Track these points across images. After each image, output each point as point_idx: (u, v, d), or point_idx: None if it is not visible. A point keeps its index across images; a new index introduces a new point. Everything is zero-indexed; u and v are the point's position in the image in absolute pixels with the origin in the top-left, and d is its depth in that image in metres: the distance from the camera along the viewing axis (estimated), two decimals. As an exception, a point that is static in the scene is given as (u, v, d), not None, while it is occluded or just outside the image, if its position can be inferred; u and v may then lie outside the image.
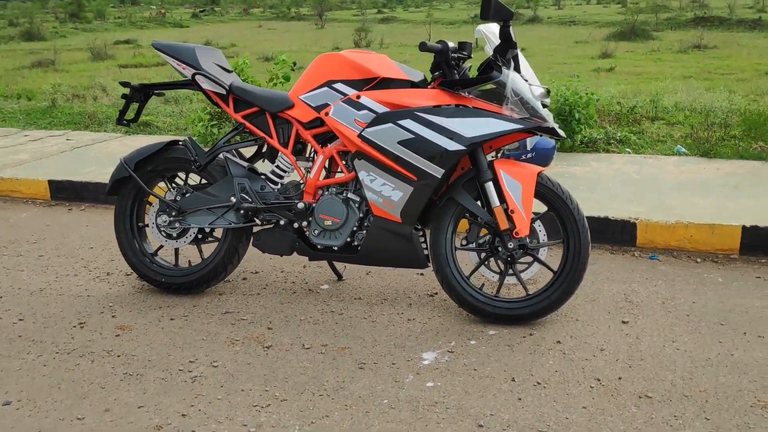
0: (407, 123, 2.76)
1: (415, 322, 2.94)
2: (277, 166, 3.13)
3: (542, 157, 4.86)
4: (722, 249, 3.61)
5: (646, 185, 4.33)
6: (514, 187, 2.80)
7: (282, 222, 3.03)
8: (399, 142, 2.78)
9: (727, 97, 6.96)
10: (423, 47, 2.73)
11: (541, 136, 2.88)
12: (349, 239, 2.97)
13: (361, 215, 2.96)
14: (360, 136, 2.83)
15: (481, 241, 2.96)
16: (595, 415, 2.28)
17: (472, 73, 2.95)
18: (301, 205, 2.99)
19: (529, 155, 4.84)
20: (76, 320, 3.01)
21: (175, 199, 3.16)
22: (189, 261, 3.35)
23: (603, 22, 25.54)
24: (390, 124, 2.78)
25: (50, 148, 5.95)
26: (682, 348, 2.69)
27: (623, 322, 2.91)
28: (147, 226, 3.32)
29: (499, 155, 4.89)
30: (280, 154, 3.12)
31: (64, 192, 4.86)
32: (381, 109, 2.83)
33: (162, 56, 3.16)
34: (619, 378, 2.49)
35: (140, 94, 3.25)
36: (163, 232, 3.20)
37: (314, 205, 2.99)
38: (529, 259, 2.93)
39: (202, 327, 2.93)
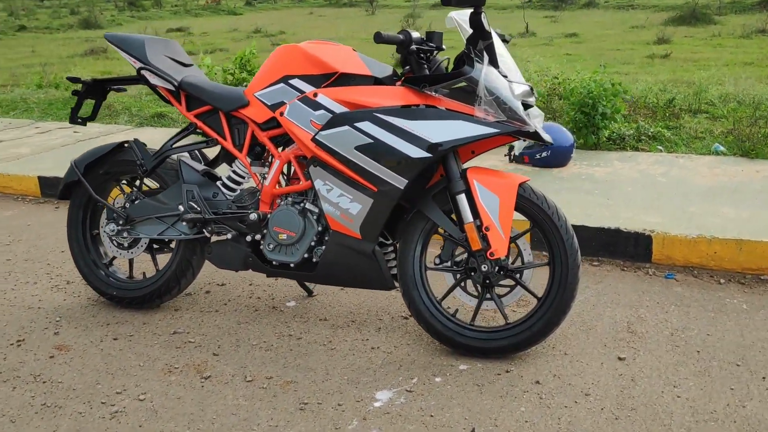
0: (365, 126, 2.40)
1: (378, 351, 2.59)
2: (234, 172, 2.81)
3: (559, 156, 4.44)
4: (750, 269, 3.13)
5: (670, 190, 3.85)
6: (491, 200, 2.41)
7: (233, 234, 2.71)
8: (356, 148, 2.42)
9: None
10: (378, 38, 2.36)
11: (523, 140, 2.47)
12: (306, 255, 2.63)
13: (320, 229, 2.61)
14: (314, 139, 2.48)
15: (457, 259, 2.59)
16: (561, 484, 1.89)
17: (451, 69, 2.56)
18: (253, 216, 2.66)
19: (544, 154, 4.43)
20: (15, 337, 2.77)
21: (123, 207, 2.88)
22: (144, 273, 3.07)
23: (663, 6, 24.37)
24: (346, 127, 2.42)
25: (54, 141, 5.80)
26: (684, 395, 2.26)
27: (619, 359, 2.50)
28: (97, 234, 3.06)
29: (512, 155, 4.54)
30: (237, 159, 2.80)
31: (54, 189, 4.66)
32: (339, 108, 2.48)
33: (114, 49, 2.88)
34: (619, 416, 2.09)
35: (95, 89, 2.97)
36: (113, 242, 2.93)
37: (269, 216, 2.67)
38: (511, 282, 2.54)
39: (143, 350, 2.65)
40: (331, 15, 26.70)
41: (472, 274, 2.51)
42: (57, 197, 3.06)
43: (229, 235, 2.72)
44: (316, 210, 2.61)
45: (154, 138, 5.53)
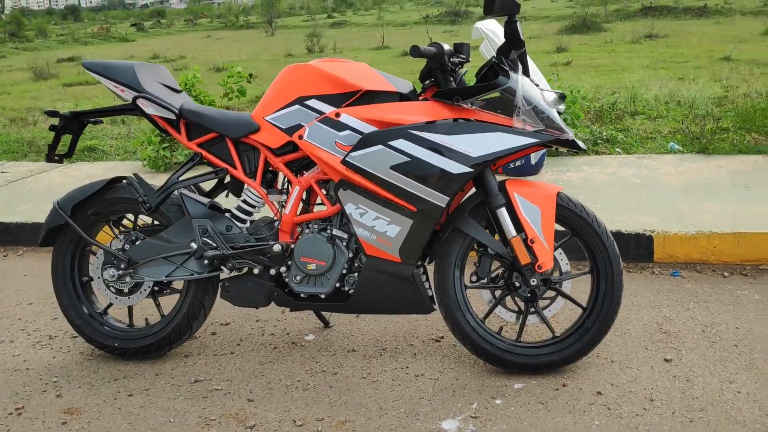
0: (400, 144, 2.29)
1: (424, 379, 2.47)
2: (244, 201, 2.63)
3: (533, 165, 4.47)
4: (750, 260, 3.24)
5: (649, 190, 3.94)
6: (532, 211, 2.35)
7: (255, 269, 2.53)
8: (392, 167, 2.30)
9: (701, 88, 6.69)
10: (416, 52, 2.26)
11: (556, 149, 2.43)
12: (338, 284, 2.48)
13: (350, 255, 2.48)
14: (344, 161, 2.34)
15: (493, 275, 2.51)
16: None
17: (468, 80, 2.50)
18: (277, 247, 2.49)
19: (517, 163, 4.45)
20: (12, 404, 2.46)
21: (122, 249, 2.63)
22: (146, 319, 2.82)
23: (553, 17, 25.58)
24: (380, 146, 2.30)
25: (-21, 183, 5.31)
26: (744, 390, 2.28)
27: (666, 360, 2.49)
28: (90, 280, 2.79)
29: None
30: (246, 186, 2.61)
31: (-2, 235, 4.26)
32: (366, 128, 2.36)
33: (95, 77, 2.63)
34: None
35: (73, 123, 2.71)
36: (111, 288, 2.67)
37: (293, 246, 2.50)
38: (551, 293, 2.49)
39: (168, 404, 2.41)
40: (230, 37, 26.30)
41: (516, 288, 2.44)
42: (39, 244, 2.75)
43: (250, 270, 2.53)
44: (345, 236, 2.48)
45: (90, 173, 5.18)
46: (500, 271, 2.51)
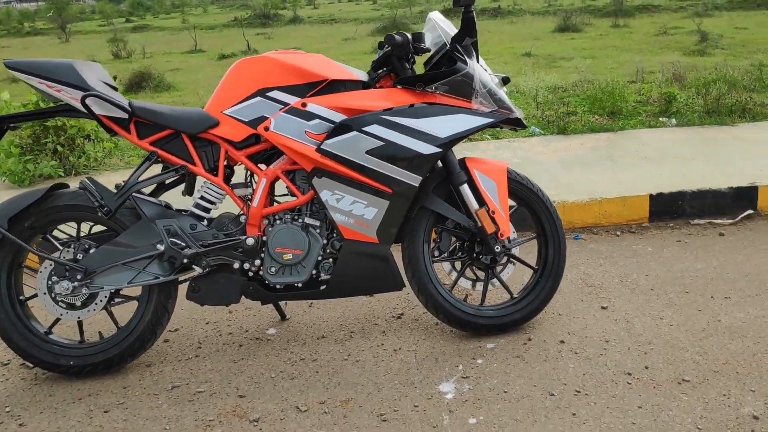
0: (374, 129, 2.40)
1: (403, 352, 2.60)
2: (202, 198, 2.57)
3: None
4: (634, 219, 3.75)
5: (533, 167, 4.37)
6: (490, 186, 2.58)
7: (235, 264, 2.49)
8: (367, 152, 2.40)
9: (538, 79, 7.41)
10: (392, 40, 2.38)
11: (501, 127, 2.67)
12: (314, 272, 2.53)
13: (324, 242, 2.54)
14: (319, 149, 2.40)
15: (451, 248, 2.71)
16: (655, 413, 2.15)
17: (418, 68, 2.66)
18: (250, 240, 2.48)
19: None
20: (-37, 444, 2.21)
21: (75, 259, 2.46)
22: (100, 333, 2.65)
23: (362, 19, 26.46)
24: (354, 133, 2.39)
25: None
26: (674, 323, 2.69)
27: (602, 308, 2.85)
28: (30, 298, 2.57)
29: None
30: (204, 183, 2.56)
31: None
32: (335, 116, 2.43)
33: (20, 77, 2.43)
34: (646, 367, 2.40)
35: (-6, 128, 2.48)
36: (61, 303, 2.48)
37: (264, 238, 2.51)
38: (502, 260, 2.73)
39: (153, 413, 2.31)
40: (17, 45, 23.97)
41: (478, 258, 2.65)
42: (-33, 265, 2.48)
43: (219, 267, 2.49)
44: (317, 223, 2.53)
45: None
46: (457, 244, 2.71)
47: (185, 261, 2.44)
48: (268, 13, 30.30)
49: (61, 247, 2.51)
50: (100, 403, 2.39)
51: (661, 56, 9.10)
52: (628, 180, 3.97)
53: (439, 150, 2.43)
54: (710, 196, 3.72)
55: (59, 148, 4.82)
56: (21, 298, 2.54)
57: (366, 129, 2.39)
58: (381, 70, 2.59)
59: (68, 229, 2.60)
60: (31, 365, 2.64)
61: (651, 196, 3.72)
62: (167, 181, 2.63)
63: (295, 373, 2.51)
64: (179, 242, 2.44)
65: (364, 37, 19.16)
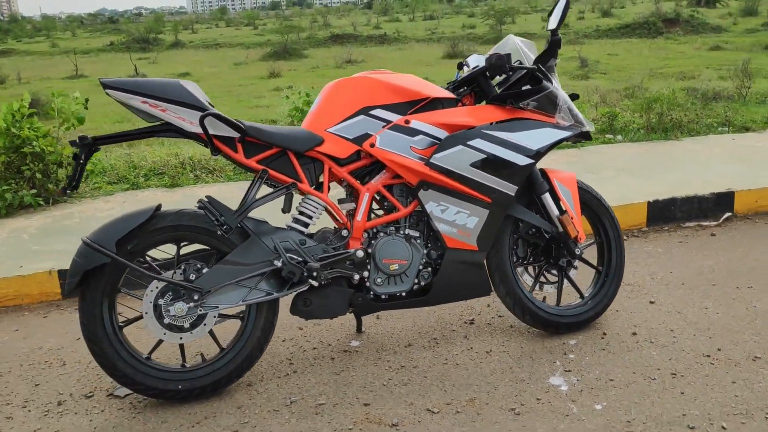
0: (477, 143, 2.57)
1: (496, 353, 2.76)
2: (302, 213, 2.62)
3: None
4: (634, 225, 4.12)
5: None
6: (567, 194, 2.82)
7: (355, 276, 2.56)
8: (471, 164, 2.57)
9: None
10: (499, 60, 2.57)
11: (573, 141, 2.92)
12: (415, 281, 2.65)
13: (425, 251, 2.66)
14: (428, 163, 2.54)
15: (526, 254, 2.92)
16: (749, 386, 2.44)
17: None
18: (360, 253, 2.56)
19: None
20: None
21: (188, 279, 2.43)
22: (201, 354, 2.61)
23: (248, 44, 26.36)
24: (460, 146, 2.55)
25: None
26: (719, 311, 3.03)
27: (651, 303, 3.15)
28: (127, 324, 2.50)
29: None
30: (304, 198, 2.62)
31: None
32: (438, 132, 2.59)
33: (117, 97, 2.37)
34: (719, 349, 2.71)
35: (87, 149, 2.41)
36: (171, 327, 2.44)
37: (369, 250, 2.59)
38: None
39: (287, 428, 2.32)
40: None
41: (557, 261, 2.86)
42: (68, 292, 2.37)
43: (330, 281, 2.55)
44: (417, 234, 2.65)
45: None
46: (530, 249, 2.92)
47: (304, 275, 2.48)
48: (147, 37, 29.47)
49: (160, 270, 2.47)
50: (223, 424, 2.37)
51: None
52: (619, 189, 4.36)
53: (533, 161, 2.64)
54: (696, 201, 4.18)
55: (38, 175, 4.56)
56: (119, 324, 2.47)
57: (470, 143, 2.56)
58: (462, 89, 2.76)
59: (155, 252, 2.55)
60: (123, 395, 2.56)
61: (649, 202, 4.11)
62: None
63: (404, 379, 2.60)
64: (296, 257, 2.48)
65: (255, 61, 19.12)
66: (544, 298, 2.96)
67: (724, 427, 2.21)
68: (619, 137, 6.05)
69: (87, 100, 4.92)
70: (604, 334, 2.88)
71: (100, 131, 7.45)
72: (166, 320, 2.43)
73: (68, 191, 2.41)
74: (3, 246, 3.89)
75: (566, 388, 2.48)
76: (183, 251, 2.53)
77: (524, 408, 2.37)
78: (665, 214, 4.15)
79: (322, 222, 2.74)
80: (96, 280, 2.39)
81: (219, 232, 2.42)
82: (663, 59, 13.91)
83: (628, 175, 4.69)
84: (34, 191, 4.51)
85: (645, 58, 14.44)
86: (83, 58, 21.76)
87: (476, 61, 2.85)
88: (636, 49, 16.51)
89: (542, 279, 2.94)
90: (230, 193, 4.54)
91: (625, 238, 4.01)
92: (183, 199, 4.63)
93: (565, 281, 2.92)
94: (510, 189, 2.64)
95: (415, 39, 24.90)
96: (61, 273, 3.49)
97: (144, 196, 4.79)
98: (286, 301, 2.60)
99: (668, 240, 3.96)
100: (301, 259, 2.48)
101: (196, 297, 2.41)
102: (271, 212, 2.74)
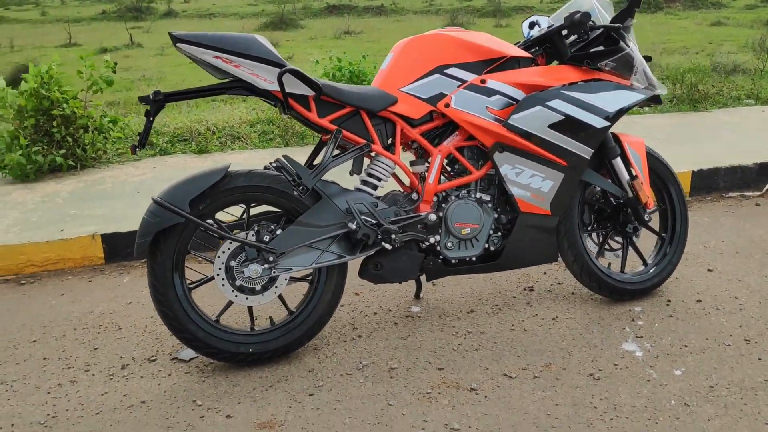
0: (556, 104, 2.50)
1: (563, 320, 2.73)
2: (371, 176, 2.55)
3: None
4: (679, 194, 4.08)
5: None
6: (637, 159, 2.77)
7: (426, 242, 2.51)
8: (549, 126, 2.51)
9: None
10: (582, 18, 2.49)
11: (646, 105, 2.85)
12: (486, 245, 2.60)
13: (495, 216, 2.61)
14: (506, 124, 2.47)
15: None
16: (827, 354, 2.42)
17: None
18: (432, 216, 2.50)
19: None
20: (175, 439, 2.08)
21: (261, 240, 2.37)
22: (270, 318, 2.56)
23: (242, 14, 25.96)
24: (539, 107, 2.49)
25: None
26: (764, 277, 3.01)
27: (709, 270, 3.12)
28: (196, 286, 2.44)
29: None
30: (374, 160, 2.55)
31: None
32: (514, 92, 2.52)
33: (188, 51, 2.27)
34: (788, 317, 2.69)
35: (156, 106, 2.33)
36: (242, 289, 2.38)
37: (440, 214, 2.54)
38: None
39: (364, 392, 2.28)
40: None
41: (624, 227, 2.82)
42: (139, 253, 2.30)
43: (403, 244, 2.50)
44: (489, 197, 2.60)
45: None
46: (594, 215, 2.87)
47: (378, 238, 2.42)
48: (140, 6, 28.95)
49: (253, 229, 2.40)
50: (297, 387, 2.32)
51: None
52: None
53: (609, 123, 2.58)
54: (740, 171, 4.14)
55: (69, 139, 4.46)
56: (189, 286, 2.41)
57: (549, 104, 2.49)
58: (534, 49, 2.69)
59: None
60: (187, 358, 2.51)
61: (693, 172, 4.07)
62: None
63: (474, 344, 2.56)
64: (370, 220, 2.42)
65: (251, 31, 18.80)
66: (609, 264, 2.92)
67: (810, 393, 2.19)
68: (646, 108, 5.99)
69: (116, 64, 4.79)
70: (669, 301, 2.85)
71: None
72: (238, 282, 2.37)
73: (138, 149, 2.33)
74: (39, 210, 3.81)
75: (641, 354, 2.46)
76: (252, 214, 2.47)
77: (603, 373, 2.34)
78: (708, 184, 4.11)
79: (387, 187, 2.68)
80: (167, 241, 2.32)
81: (295, 193, 2.35)
82: (665, 34, 13.79)
83: (670, 145, 4.64)
84: (63, 152, 4.41)
85: (646, 33, 14.31)
86: (76, 27, 21.31)
87: (547, 21, 2.77)
88: (636, 25, 16.32)
89: (606, 246, 2.90)
90: (260, 160, 4.45)
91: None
92: (214, 164, 4.53)
93: (630, 248, 2.89)
94: (586, 152, 2.58)
95: (413, 11, 24.60)
96: (104, 237, 3.42)
97: (173, 162, 4.70)
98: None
99: (713, 210, 3.93)
100: (375, 222, 2.42)
101: (270, 259, 2.35)
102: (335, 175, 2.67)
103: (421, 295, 2.96)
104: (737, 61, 7.61)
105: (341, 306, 2.90)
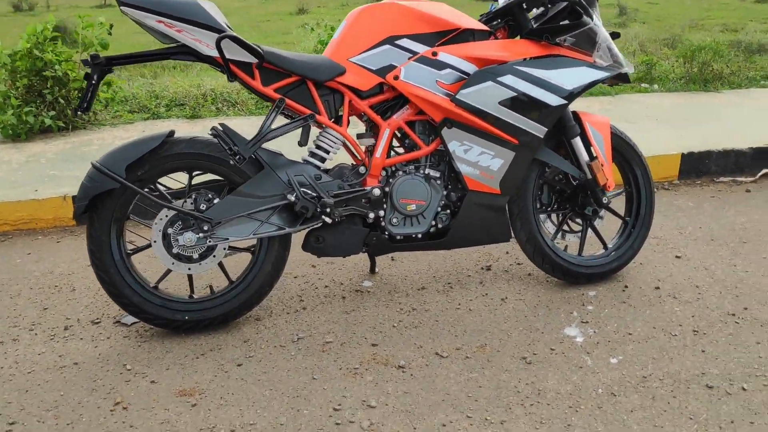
0: (508, 79, 2.42)
1: (511, 301, 2.68)
2: (319, 147, 2.52)
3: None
4: (665, 177, 3.96)
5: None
6: (599, 139, 2.67)
7: (370, 215, 2.47)
8: (500, 102, 2.43)
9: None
10: None
11: (604, 83, 2.75)
12: (432, 223, 2.55)
13: (444, 193, 2.55)
14: (454, 99, 2.41)
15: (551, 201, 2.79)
16: (775, 349, 2.34)
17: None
18: (377, 191, 2.46)
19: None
20: (104, 401, 2.10)
21: (198, 209, 2.36)
22: (210, 286, 2.56)
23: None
24: (490, 83, 2.41)
25: None
26: (749, 270, 2.90)
27: (677, 257, 3.03)
28: (135, 252, 2.45)
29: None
30: (322, 132, 2.51)
31: None
32: (466, 66, 2.44)
33: (132, 15, 2.24)
34: (745, 308, 2.59)
35: (99, 70, 2.31)
36: (179, 257, 2.38)
37: (387, 189, 2.49)
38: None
39: (293, 364, 2.28)
40: None
41: (582, 209, 2.74)
42: (77, 215, 2.32)
43: (344, 218, 2.46)
44: (438, 174, 2.54)
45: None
46: (555, 196, 2.79)
47: (317, 211, 2.39)
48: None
49: (171, 199, 2.40)
50: (228, 357, 2.33)
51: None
52: (652, 140, 4.18)
53: (566, 102, 2.49)
54: (733, 156, 3.99)
55: (61, 100, 4.50)
56: (128, 252, 2.42)
57: (501, 79, 2.41)
58: (496, 21, 2.60)
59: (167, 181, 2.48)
60: (129, 323, 2.54)
61: (683, 155, 3.94)
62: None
63: (415, 322, 2.53)
64: (310, 192, 2.39)
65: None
66: (566, 247, 2.85)
67: (744, 388, 2.11)
68: (655, 86, 5.81)
69: (111, 26, 4.80)
70: (626, 286, 2.77)
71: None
72: (175, 250, 2.37)
73: (80, 112, 2.33)
74: (21, 170, 3.86)
75: (582, 340, 2.40)
76: (197, 182, 2.46)
77: (536, 357, 2.30)
78: (699, 167, 3.98)
79: (339, 159, 2.64)
80: (105, 206, 2.33)
81: (231, 162, 2.33)
82: (706, 10, 13.33)
83: (664, 126, 4.50)
84: (53, 113, 4.45)
85: (686, 8, 13.84)
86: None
87: None
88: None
89: (566, 228, 2.82)
90: (252, 127, 4.43)
91: (654, 190, 3.85)
92: (203, 131, 4.54)
93: (590, 231, 2.81)
94: (539, 131, 2.50)
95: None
96: (76, 199, 3.45)
97: (164, 126, 4.71)
98: (300, 237, 2.53)
99: (700, 194, 3.81)
100: (315, 195, 2.39)
101: (205, 228, 2.34)
102: (288, 146, 2.65)
103: (377, 270, 2.93)
104: (762, 40, 7.31)
105: (294, 277, 2.89)
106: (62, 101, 4.51)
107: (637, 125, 4.53)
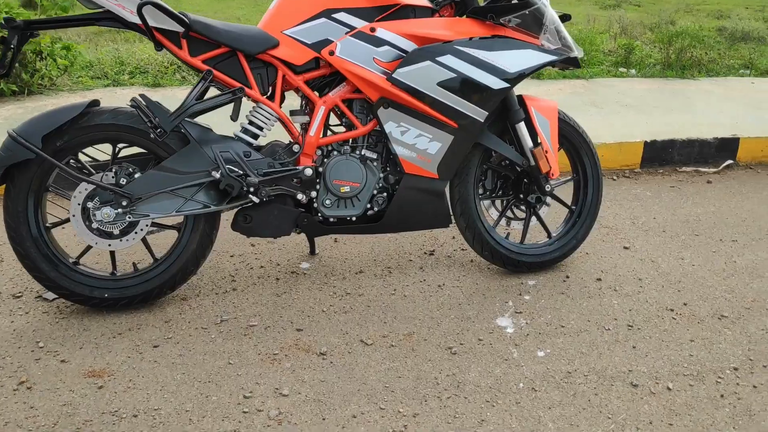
0: (448, 60, 2.32)
1: (448, 288, 2.61)
2: (252, 124, 2.42)
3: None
4: (627, 165, 3.88)
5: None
6: (544, 124, 2.58)
7: (300, 195, 2.38)
8: (439, 83, 2.33)
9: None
10: None
11: (554, 67, 2.66)
12: (368, 206, 2.47)
13: (381, 175, 2.47)
14: (390, 78, 2.31)
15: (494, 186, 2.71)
16: (707, 346, 2.28)
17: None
18: (308, 171, 2.37)
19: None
20: (9, 379, 2.03)
21: (117, 184, 2.26)
22: (133, 264, 2.48)
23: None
24: (428, 62, 2.31)
25: None
26: (696, 263, 2.84)
27: (625, 248, 2.96)
28: (56, 225, 2.36)
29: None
30: (255, 107, 2.41)
31: None
32: (405, 43, 2.34)
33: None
34: (684, 304, 2.53)
35: (21, 35, 2.21)
36: (97, 231, 2.30)
37: (321, 169, 2.41)
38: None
39: (210, 348, 2.21)
40: None
41: (526, 197, 2.66)
42: (-10, 186, 2.23)
43: (273, 198, 2.38)
44: (374, 156, 2.45)
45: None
46: (499, 182, 2.71)
47: (243, 190, 2.30)
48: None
49: (94, 171, 2.31)
50: (145, 337, 2.26)
51: (578, 8, 9.30)
52: (617, 126, 4.10)
53: (508, 85, 2.40)
54: (697, 145, 3.91)
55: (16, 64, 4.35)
56: (47, 225, 2.33)
57: (440, 59, 2.32)
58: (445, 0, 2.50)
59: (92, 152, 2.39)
60: (51, 298, 2.45)
61: (645, 143, 3.86)
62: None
63: (346, 307, 2.46)
64: (236, 170, 2.30)
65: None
66: (508, 234, 2.78)
67: (669, 388, 2.06)
68: (632, 71, 5.70)
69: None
70: (567, 277, 2.71)
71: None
72: (95, 225, 2.28)
73: (4, 75, 2.22)
74: (-36, 133, 3.74)
75: (512, 331, 2.34)
76: (124, 155, 2.36)
77: (462, 348, 2.24)
78: (662, 155, 3.90)
79: (276, 135, 2.55)
80: (21, 177, 2.24)
81: (152, 135, 2.23)
82: (702, -6, 13.14)
83: (632, 112, 4.41)
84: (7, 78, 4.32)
85: (685, -9, 13.64)
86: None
87: None
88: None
89: (510, 215, 2.75)
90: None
91: (614, 178, 3.79)
92: (162, 100, 4.42)
93: (534, 219, 2.74)
94: (480, 115, 2.41)
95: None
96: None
97: (123, 94, 4.59)
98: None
99: (660, 184, 3.73)
100: (241, 172, 2.30)
101: (124, 203, 2.25)
102: (227, 123, 2.55)
103: (317, 251, 2.86)
104: (747, 28, 7.20)
105: (231, 256, 2.81)
106: (17, 66, 4.37)
107: (604, 110, 4.44)
